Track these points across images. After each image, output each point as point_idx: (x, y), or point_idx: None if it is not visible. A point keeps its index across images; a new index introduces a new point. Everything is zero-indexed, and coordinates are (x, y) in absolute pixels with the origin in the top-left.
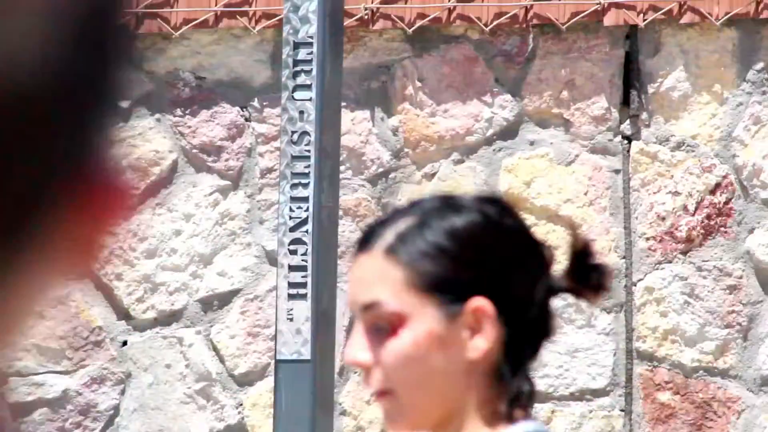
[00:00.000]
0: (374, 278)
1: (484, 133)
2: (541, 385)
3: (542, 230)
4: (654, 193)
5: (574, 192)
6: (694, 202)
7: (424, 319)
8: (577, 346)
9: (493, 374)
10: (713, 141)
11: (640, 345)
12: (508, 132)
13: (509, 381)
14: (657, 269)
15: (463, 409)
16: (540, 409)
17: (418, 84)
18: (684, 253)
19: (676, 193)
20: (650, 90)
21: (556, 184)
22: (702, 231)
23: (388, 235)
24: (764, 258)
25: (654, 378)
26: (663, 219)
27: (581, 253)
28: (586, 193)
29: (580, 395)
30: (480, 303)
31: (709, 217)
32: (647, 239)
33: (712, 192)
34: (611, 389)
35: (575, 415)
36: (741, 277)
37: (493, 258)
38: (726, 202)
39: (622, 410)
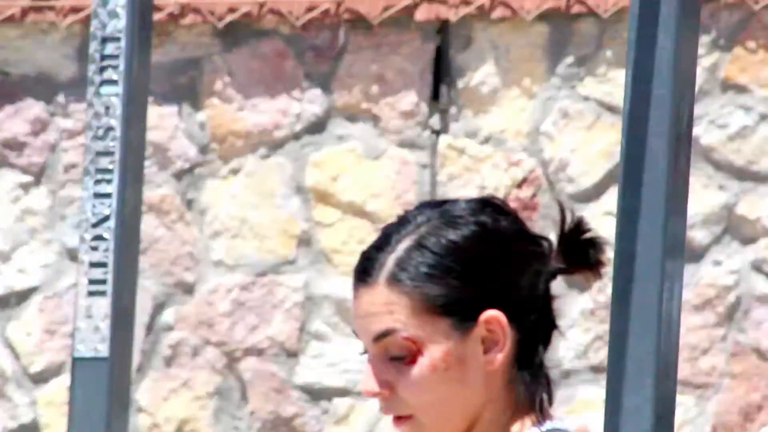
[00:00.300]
0: (382, 309)
1: (293, 128)
2: (340, 381)
3: (348, 225)
4: (461, 187)
5: (381, 187)
6: (501, 197)
7: (439, 341)
8: None
9: (511, 379)
10: (521, 135)
11: None
12: (317, 127)
13: (528, 384)
14: None
15: (484, 418)
16: (339, 405)
17: (227, 79)
18: None
19: (483, 188)
20: (460, 85)
21: (363, 178)
22: None
23: (389, 263)
24: None
25: None
26: None
27: (574, 230)
28: (393, 188)
29: None
30: (492, 314)
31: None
32: None
33: (519, 186)
34: None
35: (374, 411)
36: None
37: (496, 267)
38: (532, 197)
39: None
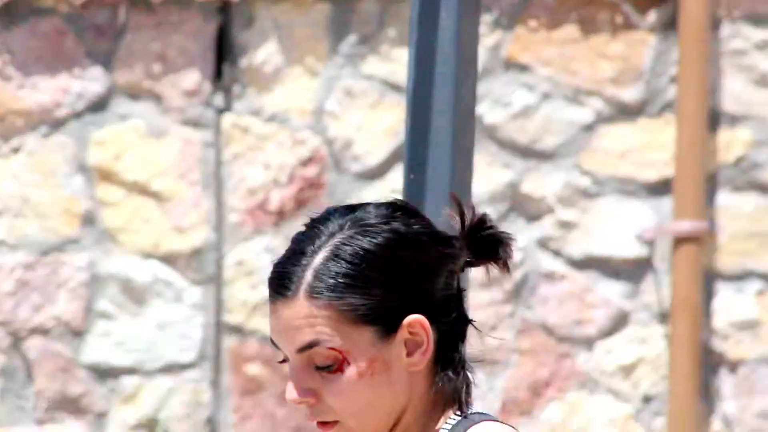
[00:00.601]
0: (304, 322)
1: (74, 106)
2: (128, 359)
3: (133, 204)
4: (246, 166)
5: (165, 165)
6: (286, 175)
7: (364, 349)
8: (167, 320)
9: (433, 376)
10: (306, 114)
11: (230, 318)
12: (99, 105)
13: (450, 379)
14: (248, 242)
15: (408, 415)
16: (127, 383)
17: (6, 57)
18: (275, 225)
19: (268, 166)
20: (243, 64)
21: (147, 157)
22: (294, 204)
23: (307, 276)
24: None
25: (242, 351)
26: (254, 192)
27: (478, 226)
28: (177, 167)
29: (168, 369)
30: (414, 319)
31: (301, 189)
32: (238, 212)
33: (304, 165)
34: (199, 362)
35: (162, 389)
36: None
37: (414, 272)
38: (318, 175)
39: (210, 383)
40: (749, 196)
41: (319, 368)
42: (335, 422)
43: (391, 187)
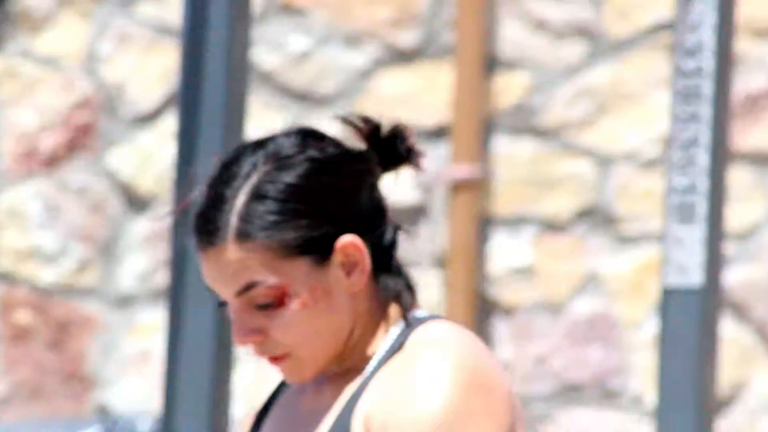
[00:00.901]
0: (238, 266)
1: None
2: None
3: None
4: (16, 109)
5: None
6: (58, 120)
7: (303, 280)
8: None
9: (374, 290)
10: (78, 57)
11: None
12: None
13: (390, 288)
14: (18, 187)
15: (355, 333)
16: None
17: None
18: (47, 170)
19: (39, 110)
20: (13, 5)
21: None
22: (65, 149)
23: (232, 221)
24: (126, 175)
25: (12, 298)
26: (25, 137)
27: (382, 136)
28: None
29: None
30: (346, 241)
31: (73, 134)
32: (9, 157)
33: (77, 109)
34: None
35: None
36: (103, 194)
37: (338, 196)
38: (90, 120)
39: None
40: (526, 141)
41: (261, 307)
42: (286, 355)
43: (165, 130)
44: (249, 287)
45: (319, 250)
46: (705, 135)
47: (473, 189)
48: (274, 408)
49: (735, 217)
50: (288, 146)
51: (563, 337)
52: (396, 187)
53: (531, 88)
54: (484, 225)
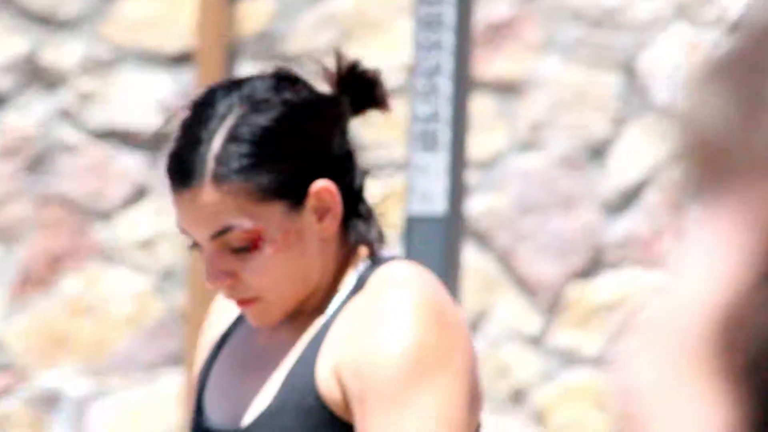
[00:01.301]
0: (214, 209)
1: None
2: None
3: None
4: None
5: None
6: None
7: (277, 224)
8: None
9: (344, 234)
10: None
11: None
12: None
13: (360, 230)
14: None
15: (325, 276)
16: None
17: None
18: None
19: None
20: None
21: None
22: None
23: (209, 162)
24: None
25: None
26: None
27: (350, 75)
28: None
29: None
30: (320, 185)
31: None
32: None
33: None
34: None
35: None
36: None
37: (312, 140)
38: None
39: None
40: (269, 67)
41: (235, 250)
42: (255, 298)
43: None
44: (224, 231)
45: (293, 194)
46: (447, 63)
47: None
48: (230, 340)
49: (478, 145)
50: (263, 89)
51: None
52: (140, 111)
53: (275, 14)
54: None
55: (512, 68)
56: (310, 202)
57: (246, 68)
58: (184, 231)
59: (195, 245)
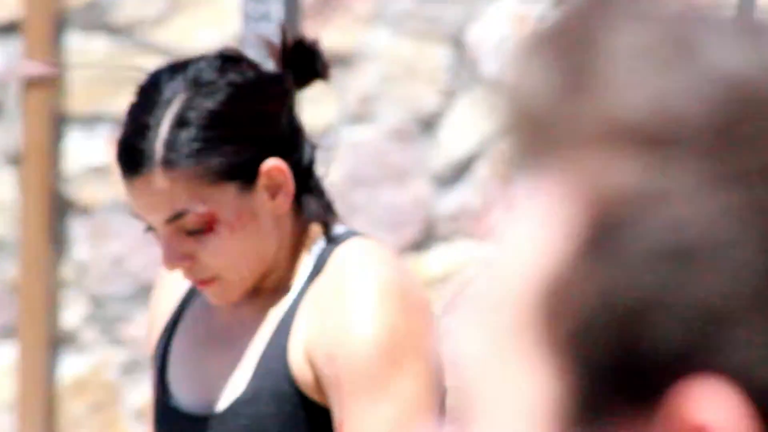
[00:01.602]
0: (166, 194)
1: None
2: None
3: None
4: None
5: None
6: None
7: (230, 205)
8: None
9: (297, 209)
10: None
11: None
12: None
13: (313, 205)
14: None
15: (280, 253)
16: None
17: None
18: None
19: None
20: None
21: None
22: None
23: (158, 149)
24: None
25: None
26: None
27: (294, 51)
28: None
29: None
30: (271, 164)
31: None
32: None
33: None
34: None
35: None
36: None
37: (260, 120)
38: None
39: None
40: (99, 39)
41: (190, 233)
42: (214, 278)
43: None
44: (178, 216)
45: (244, 175)
46: (275, 35)
47: (47, 86)
48: (186, 314)
49: (308, 118)
50: (208, 71)
51: (140, 238)
52: None
53: None
54: (58, 123)
55: (342, 40)
56: (262, 181)
57: (74, 38)
58: (138, 216)
59: (150, 229)
